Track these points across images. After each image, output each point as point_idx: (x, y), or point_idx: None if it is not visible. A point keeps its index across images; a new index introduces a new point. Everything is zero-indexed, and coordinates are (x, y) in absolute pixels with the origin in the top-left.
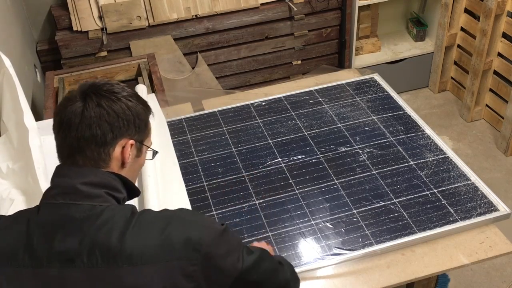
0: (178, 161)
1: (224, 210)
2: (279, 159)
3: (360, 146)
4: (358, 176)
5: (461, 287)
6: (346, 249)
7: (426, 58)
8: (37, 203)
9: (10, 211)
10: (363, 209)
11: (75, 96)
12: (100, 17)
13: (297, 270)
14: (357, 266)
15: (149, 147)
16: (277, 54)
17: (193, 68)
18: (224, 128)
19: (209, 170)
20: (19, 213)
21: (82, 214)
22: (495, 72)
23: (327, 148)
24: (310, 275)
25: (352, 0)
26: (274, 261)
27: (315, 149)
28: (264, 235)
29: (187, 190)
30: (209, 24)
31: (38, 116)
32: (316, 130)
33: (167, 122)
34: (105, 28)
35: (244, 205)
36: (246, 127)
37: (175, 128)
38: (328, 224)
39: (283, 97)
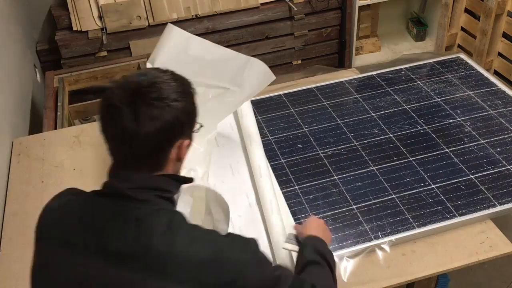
0: (287, 132)
1: (344, 175)
2: (386, 130)
3: (463, 118)
4: (467, 145)
5: (461, 287)
6: (469, 210)
7: None
8: None
9: None
10: (479, 174)
11: (119, 104)
12: (100, 17)
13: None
14: (357, 266)
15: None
16: (277, 54)
17: None
18: (325, 103)
19: (321, 140)
20: (81, 203)
21: (129, 217)
22: (496, 72)
23: (431, 120)
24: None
25: (352, 0)
26: None
27: (419, 121)
28: (389, 197)
29: (302, 159)
30: (209, 24)
31: (38, 116)
32: (416, 104)
33: (266, 97)
34: (105, 28)
35: (362, 170)
36: (346, 102)
37: (277, 102)
38: (447, 188)
39: (375, 74)
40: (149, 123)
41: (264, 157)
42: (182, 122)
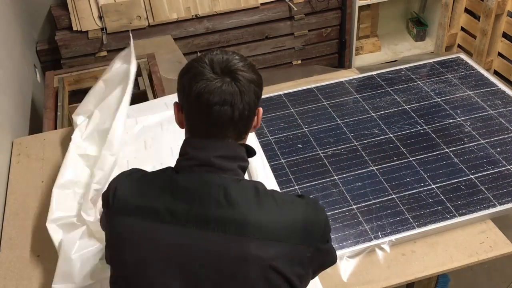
0: (287, 132)
1: (344, 175)
2: (386, 130)
3: (463, 118)
4: (467, 145)
5: (461, 287)
6: (469, 210)
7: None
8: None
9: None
10: (479, 174)
11: (213, 74)
12: (100, 17)
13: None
14: (357, 266)
15: None
16: (277, 54)
17: None
18: (325, 103)
19: (321, 140)
20: (159, 173)
21: (217, 185)
22: (496, 72)
23: (431, 120)
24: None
25: (352, 0)
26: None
27: (419, 121)
28: (389, 197)
29: (302, 159)
30: (209, 24)
31: (38, 116)
32: (416, 104)
33: (266, 97)
34: (105, 28)
35: (362, 170)
36: (346, 102)
37: (277, 102)
38: (447, 188)
39: (375, 74)
40: (248, 86)
41: None
42: (260, 88)
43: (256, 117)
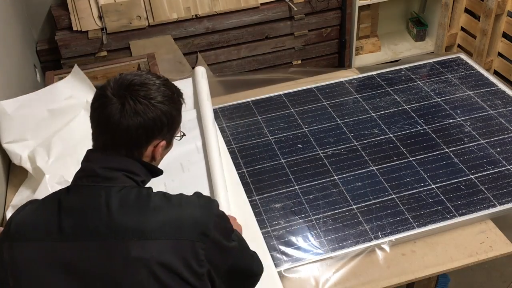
0: (287, 132)
1: (344, 175)
2: (386, 130)
3: (463, 118)
4: (467, 145)
5: (461, 287)
6: (469, 210)
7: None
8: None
9: None
10: (479, 174)
11: (111, 95)
12: (100, 17)
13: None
14: (357, 266)
15: (177, 136)
16: (277, 54)
17: (193, 68)
18: (325, 103)
19: (321, 140)
20: (52, 195)
21: (102, 194)
22: (495, 72)
23: (431, 120)
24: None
25: (352, 0)
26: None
27: (419, 121)
28: (389, 197)
29: (302, 159)
30: (209, 24)
31: None
32: (416, 104)
33: (266, 97)
34: (105, 28)
35: (362, 170)
36: (346, 102)
37: (277, 102)
38: (447, 188)
39: (375, 74)
40: (132, 116)
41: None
42: (163, 123)
43: (150, 149)
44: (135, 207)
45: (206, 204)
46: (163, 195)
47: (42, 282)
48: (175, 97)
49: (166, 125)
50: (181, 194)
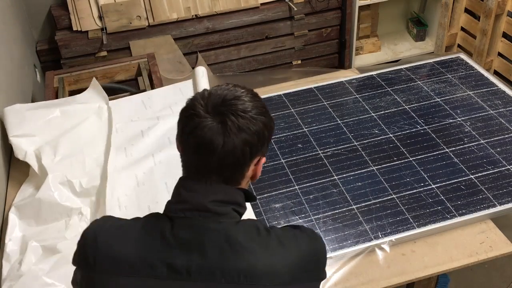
0: (287, 132)
1: (344, 175)
2: (386, 130)
3: (463, 118)
4: (467, 145)
5: (461, 287)
6: (469, 210)
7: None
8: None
9: (80, 224)
10: (479, 174)
11: (205, 113)
12: (100, 17)
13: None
14: (357, 266)
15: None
16: (277, 54)
17: (193, 68)
18: (325, 103)
19: (321, 140)
20: (148, 224)
21: (216, 230)
22: (495, 72)
23: (431, 120)
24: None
25: (352, 0)
26: None
27: (419, 121)
28: (389, 197)
29: (302, 159)
30: (209, 24)
31: None
32: (416, 104)
33: (266, 97)
34: (105, 28)
35: (362, 170)
36: (346, 102)
37: (277, 102)
38: (447, 188)
39: (375, 74)
40: (236, 133)
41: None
42: (264, 136)
43: (251, 167)
44: (259, 245)
45: (315, 238)
46: (276, 229)
47: None
48: (265, 106)
49: (267, 138)
50: (287, 229)
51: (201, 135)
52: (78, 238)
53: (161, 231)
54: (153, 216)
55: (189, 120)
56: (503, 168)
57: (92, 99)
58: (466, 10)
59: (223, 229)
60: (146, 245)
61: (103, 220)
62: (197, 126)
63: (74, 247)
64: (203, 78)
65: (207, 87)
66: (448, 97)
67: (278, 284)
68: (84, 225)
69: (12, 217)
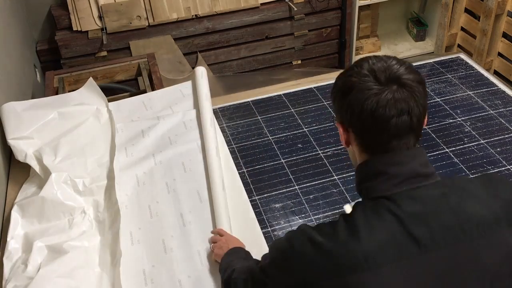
0: (287, 132)
1: (344, 175)
2: None
3: (463, 118)
4: (467, 145)
5: None
6: None
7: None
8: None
9: (83, 223)
10: (479, 174)
11: (377, 88)
12: (100, 17)
13: None
14: None
15: None
16: (277, 54)
17: (193, 68)
18: (325, 103)
19: (321, 140)
20: (371, 216)
21: (437, 192)
22: (496, 72)
23: (431, 120)
24: None
25: (352, 0)
26: None
27: None
28: None
29: (302, 159)
30: (209, 24)
31: None
32: None
33: (266, 97)
34: (105, 28)
35: None
36: None
37: (277, 102)
38: None
39: None
40: (417, 87)
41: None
42: (425, 84)
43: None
44: (483, 192)
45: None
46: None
47: None
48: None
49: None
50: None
51: (393, 105)
52: (82, 237)
53: (391, 213)
54: (367, 209)
55: (366, 98)
56: (503, 168)
57: (89, 100)
58: (466, 10)
59: (443, 190)
60: (384, 232)
61: (309, 227)
62: (382, 102)
63: (81, 247)
64: (202, 79)
65: (207, 87)
66: (448, 97)
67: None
68: (87, 224)
69: (15, 215)
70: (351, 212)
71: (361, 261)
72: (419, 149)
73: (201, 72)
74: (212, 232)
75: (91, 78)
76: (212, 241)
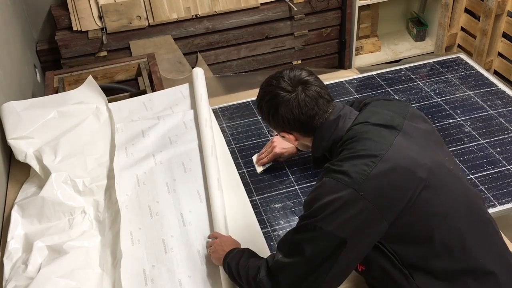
0: None
1: None
2: None
3: (463, 118)
4: (467, 145)
5: None
6: None
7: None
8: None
9: (83, 223)
10: (479, 174)
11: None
12: (100, 17)
13: None
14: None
15: None
16: (277, 54)
17: (193, 68)
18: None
19: None
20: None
21: (372, 107)
22: (495, 72)
23: (431, 120)
24: None
25: (352, 0)
26: None
27: None
28: None
29: (302, 159)
30: (209, 24)
31: None
32: (416, 104)
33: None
34: (105, 28)
35: None
36: (346, 102)
37: None
38: None
39: (375, 74)
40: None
41: (219, 170)
42: None
43: None
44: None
45: None
46: None
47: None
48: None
49: None
50: None
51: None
52: (83, 237)
53: (368, 124)
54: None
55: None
56: (503, 168)
57: (89, 99)
58: (466, 10)
59: (370, 105)
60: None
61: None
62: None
63: (81, 248)
64: (198, 80)
65: (204, 88)
66: (448, 97)
67: None
68: (87, 224)
69: (15, 215)
70: (341, 152)
71: (381, 146)
72: (336, 103)
73: (197, 73)
74: (208, 237)
75: (90, 76)
76: (209, 246)
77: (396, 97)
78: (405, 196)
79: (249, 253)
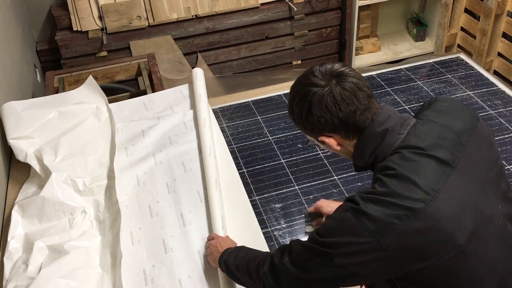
0: (286, 132)
1: (344, 175)
2: None
3: None
4: None
5: None
6: None
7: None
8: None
9: (84, 223)
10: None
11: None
12: (100, 17)
13: None
14: None
15: None
16: (277, 54)
17: (193, 68)
18: None
19: None
20: (402, 158)
21: (425, 126)
22: (495, 72)
23: None
24: None
25: (352, 0)
26: None
27: None
28: None
29: (302, 159)
30: (209, 24)
31: None
32: (416, 104)
33: (266, 97)
34: (105, 28)
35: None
36: None
37: (277, 102)
38: None
39: (375, 74)
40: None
41: (217, 170)
42: None
43: None
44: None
45: None
46: None
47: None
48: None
49: None
50: None
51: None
52: (83, 237)
53: (414, 154)
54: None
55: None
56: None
57: (89, 99)
58: (466, 10)
59: (426, 120)
60: (426, 170)
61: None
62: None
63: (81, 248)
64: (197, 80)
65: (203, 89)
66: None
67: None
68: (88, 224)
69: (15, 215)
70: (377, 182)
71: (424, 196)
72: (385, 106)
73: (196, 73)
74: (207, 239)
75: (90, 76)
76: (206, 248)
77: (396, 97)
78: (431, 258)
79: (247, 248)
